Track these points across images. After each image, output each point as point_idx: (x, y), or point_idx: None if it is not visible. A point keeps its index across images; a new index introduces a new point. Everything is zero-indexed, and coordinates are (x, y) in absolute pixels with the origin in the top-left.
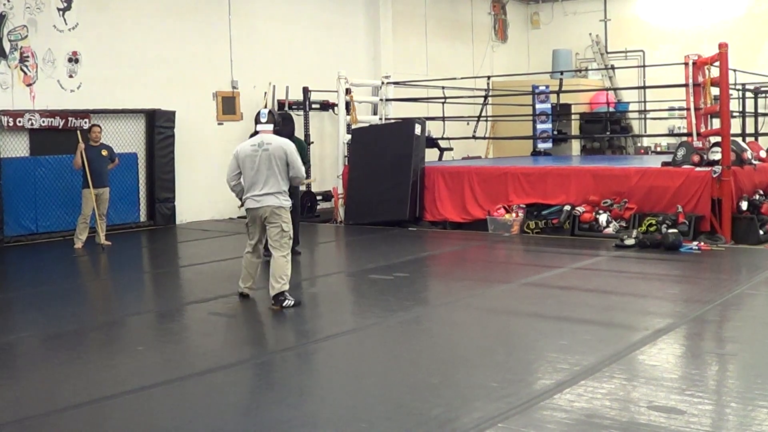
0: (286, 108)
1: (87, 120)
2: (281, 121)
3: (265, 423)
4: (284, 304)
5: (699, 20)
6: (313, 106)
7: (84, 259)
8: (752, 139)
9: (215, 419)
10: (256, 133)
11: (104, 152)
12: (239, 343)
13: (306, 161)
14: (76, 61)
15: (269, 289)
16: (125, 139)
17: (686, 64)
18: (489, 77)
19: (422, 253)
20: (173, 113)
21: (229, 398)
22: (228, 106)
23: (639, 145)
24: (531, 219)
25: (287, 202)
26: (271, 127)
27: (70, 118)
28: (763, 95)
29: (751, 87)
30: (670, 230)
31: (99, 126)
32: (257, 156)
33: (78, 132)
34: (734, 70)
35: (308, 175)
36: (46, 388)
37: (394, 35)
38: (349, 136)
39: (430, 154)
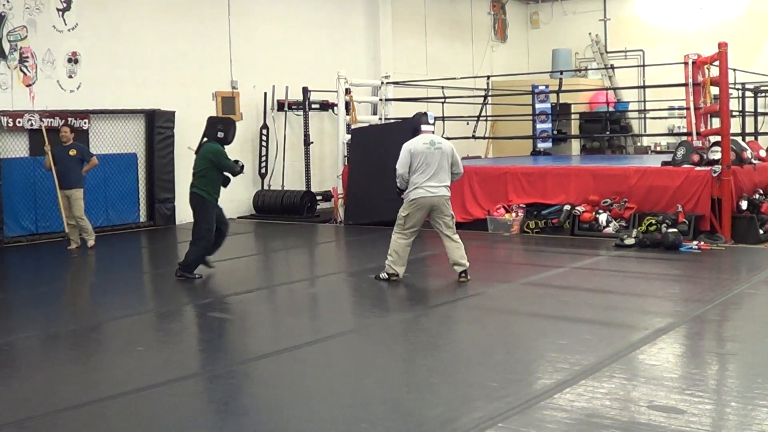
0: (286, 108)
1: (86, 120)
2: (225, 125)
3: (265, 423)
4: (468, 278)
5: (699, 20)
6: (313, 106)
7: (83, 260)
8: (752, 138)
9: (215, 419)
10: (417, 131)
11: (72, 152)
12: (239, 343)
13: (228, 167)
14: (76, 61)
15: (455, 267)
16: (125, 139)
17: (686, 63)
18: (488, 77)
19: (422, 253)
20: (173, 113)
21: (229, 398)
22: (228, 106)
23: (639, 144)
24: (531, 219)
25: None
26: (433, 128)
27: (69, 119)
28: (763, 94)
29: (751, 86)
30: (670, 230)
31: (69, 126)
32: (431, 153)
33: (43, 131)
34: (734, 70)
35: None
36: (46, 388)
37: (394, 35)
38: (349, 136)
39: None
